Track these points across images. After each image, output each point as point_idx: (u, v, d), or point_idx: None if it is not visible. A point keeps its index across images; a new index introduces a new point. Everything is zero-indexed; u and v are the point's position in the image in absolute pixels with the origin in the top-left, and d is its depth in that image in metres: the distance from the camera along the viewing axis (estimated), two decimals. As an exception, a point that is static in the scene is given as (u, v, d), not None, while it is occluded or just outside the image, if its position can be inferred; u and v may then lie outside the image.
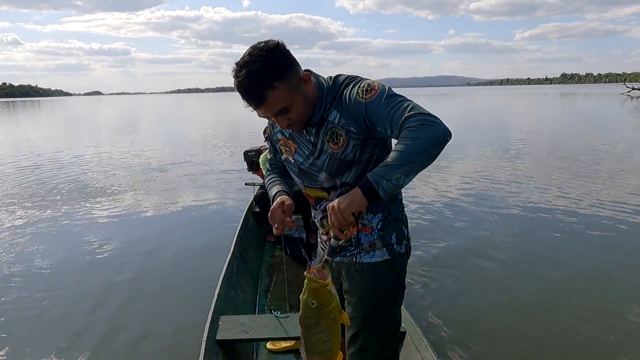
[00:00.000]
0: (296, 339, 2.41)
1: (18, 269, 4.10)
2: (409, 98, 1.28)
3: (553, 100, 48.16)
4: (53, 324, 3.13)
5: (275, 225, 1.41)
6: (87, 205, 6.45)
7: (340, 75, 1.40)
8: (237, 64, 1.26)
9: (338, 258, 1.51)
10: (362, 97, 1.28)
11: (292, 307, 3.02)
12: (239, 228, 3.96)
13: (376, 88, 1.28)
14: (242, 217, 4.30)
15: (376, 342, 1.49)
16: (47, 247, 4.71)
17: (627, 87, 51.71)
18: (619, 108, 29.12)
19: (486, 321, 3.05)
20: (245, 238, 3.90)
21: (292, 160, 1.50)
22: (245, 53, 1.26)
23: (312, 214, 1.61)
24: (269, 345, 2.60)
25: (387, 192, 1.20)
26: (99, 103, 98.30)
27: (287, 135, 1.49)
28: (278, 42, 1.27)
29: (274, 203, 1.45)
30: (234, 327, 2.36)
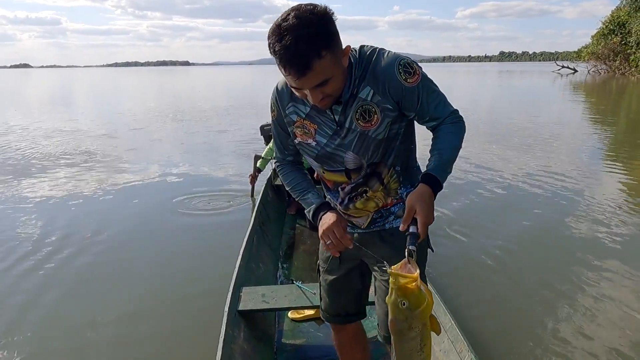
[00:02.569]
0: (318, 307, 2.43)
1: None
2: (438, 88, 1.34)
3: (493, 77, 50.22)
4: (79, 296, 3.17)
5: (328, 243, 1.33)
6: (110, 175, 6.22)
7: (364, 46, 1.32)
8: (278, 26, 1.12)
9: (360, 231, 1.49)
10: (405, 80, 1.25)
11: (313, 277, 3.02)
12: (258, 201, 4.00)
13: (417, 72, 1.26)
14: (262, 190, 4.31)
15: None
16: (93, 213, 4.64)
17: (558, 65, 54.75)
18: (551, 85, 30.93)
19: (497, 287, 3.20)
20: (264, 211, 3.92)
21: (313, 143, 1.39)
22: (290, 15, 1.13)
23: (328, 197, 1.52)
24: (290, 314, 2.64)
25: None
26: (28, 76, 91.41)
27: (304, 116, 1.38)
28: (326, 6, 1.17)
29: (328, 220, 1.34)
30: (255, 298, 2.39)
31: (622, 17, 38.28)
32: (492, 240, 3.98)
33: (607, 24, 40.64)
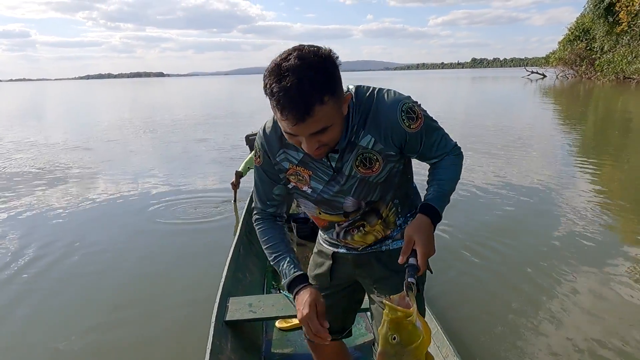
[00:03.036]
0: None
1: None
2: (437, 123, 1.29)
3: (467, 83, 51.28)
4: (59, 308, 3.14)
5: (307, 336, 1.28)
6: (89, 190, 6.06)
7: (360, 87, 1.24)
8: (278, 65, 1.04)
9: (354, 252, 1.44)
10: (408, 126, 1.20)
11: None
12: (244, 210, 3.98)
13: (420, 116, 1.21)
14: (248, 200, 4.28)
15: None
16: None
17: (527, 70, 56.27)
18: (522, 90, 31.79)
19: (481, 289, 3.23)
20: (251, 220, 3.84)
21: (309, 190, 1.32)
22: (292, 55, 1.04)
23: (322, 234, 1.50)
24: (278, 323, 2.63)
25: None
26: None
27: (296, 162, 1.29)
28: (330, 49, 1.09)
29: (305, 305, 1.26)
30: (242, 308, 2.39)
31: (587, 24, 39.64)
32: (472, 240, 4.07)
33: (572, 31, 42.01)
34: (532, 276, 3.37)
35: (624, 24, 32.94)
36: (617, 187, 6.13)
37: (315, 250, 1.57)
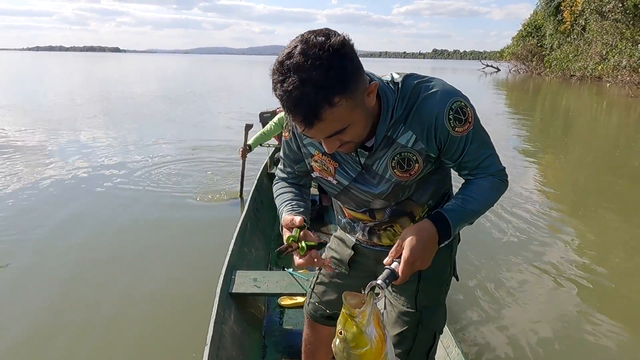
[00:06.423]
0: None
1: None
2: (489, 138, 1.14)
3: (427, 73, 51.94)
4: (74, 281, 3.20)
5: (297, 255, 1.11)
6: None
7: (408, 78, 1.09)
8: (281, 63, 0.91)
9: (379, 249, 1.32)
10: (452, 128, 1.05)
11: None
12: (253, 188, 4.06)
13: (470, 119, 1.06)
14: (257, 178, 4.34)
15: (427, 340, 1.28)
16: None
17: (483, 64, 58.37)
18: (476, 82, 33.25)
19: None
20: (259, 197, 3.97)
21: (334, 182, 1.21)
22: (296, 50, 0.91)
23: (343, 223, 1.38)
24: (281, 300, 2.66)
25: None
26: None
27: (323, 150, 1.16)
28: (344, 37, 0.94)
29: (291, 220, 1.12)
30: (246, 282, 2.42)
31: (539, 21, 41.62)
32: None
33: (525, 27, 43.96)
34: (469, 256, 3.49)
35: (567, 23, 34.88)
36: (554, 176, 6.79)
37: (336, 233, 1.48)
